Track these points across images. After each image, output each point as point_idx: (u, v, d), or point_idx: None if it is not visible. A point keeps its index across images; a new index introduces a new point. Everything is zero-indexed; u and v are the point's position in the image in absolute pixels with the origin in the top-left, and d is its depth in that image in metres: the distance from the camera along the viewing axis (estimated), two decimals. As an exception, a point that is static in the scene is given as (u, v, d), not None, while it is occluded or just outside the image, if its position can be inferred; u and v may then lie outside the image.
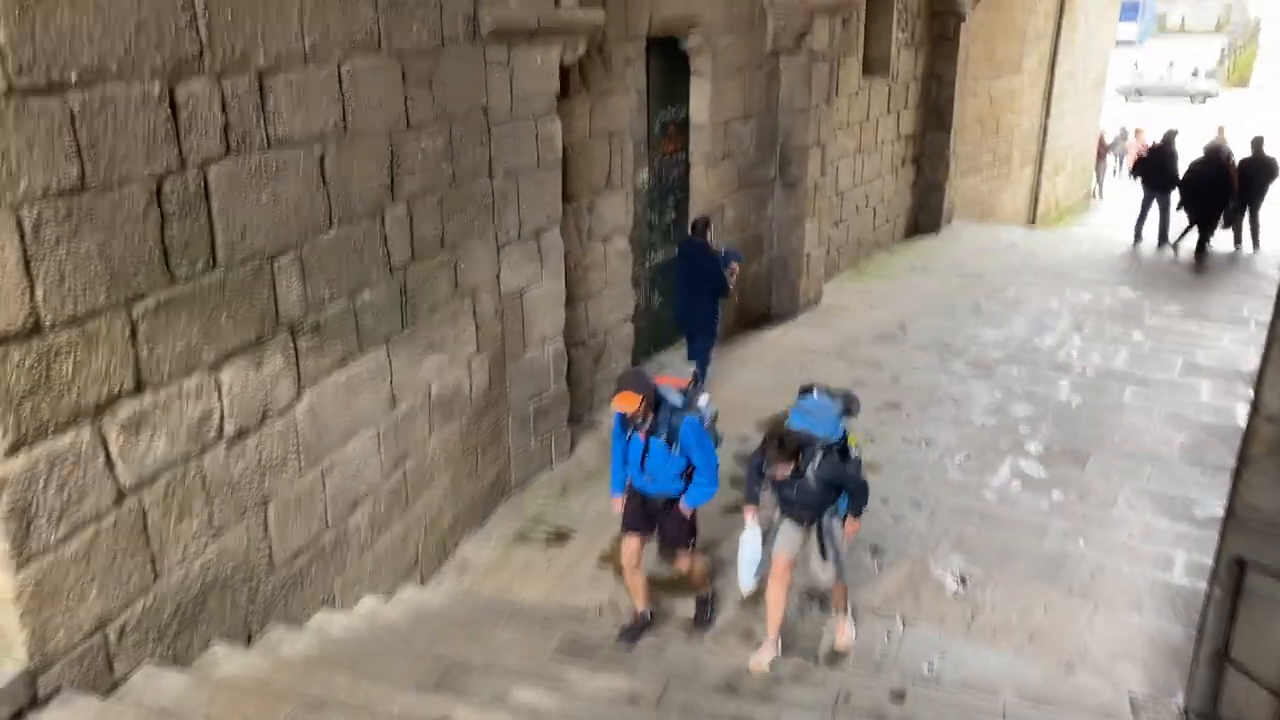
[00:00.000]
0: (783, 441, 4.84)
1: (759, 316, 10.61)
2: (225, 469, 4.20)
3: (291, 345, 4.52)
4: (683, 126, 9.09)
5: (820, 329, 10.43)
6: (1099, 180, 23.78)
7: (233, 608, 4.35)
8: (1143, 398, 8.64)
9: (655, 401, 5.03)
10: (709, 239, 8.37)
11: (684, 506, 5.15)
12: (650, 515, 5.26)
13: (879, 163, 12.85)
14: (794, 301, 10.76)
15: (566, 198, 7.38)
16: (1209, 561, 6.08)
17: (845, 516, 5.24)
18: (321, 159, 4.59)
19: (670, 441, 5.00)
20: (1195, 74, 44.48)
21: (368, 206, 4.97)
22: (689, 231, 8.61)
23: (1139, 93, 43.40)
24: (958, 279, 12.31)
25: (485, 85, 5.95)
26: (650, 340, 9.28)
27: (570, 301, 7.64)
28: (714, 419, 5.30)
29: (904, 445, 7.71)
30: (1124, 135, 24.71)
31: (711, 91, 9.02)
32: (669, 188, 9.10)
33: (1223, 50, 50.66)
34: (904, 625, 5.52)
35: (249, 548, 4.40)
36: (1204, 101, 42.30)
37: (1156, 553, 6.24)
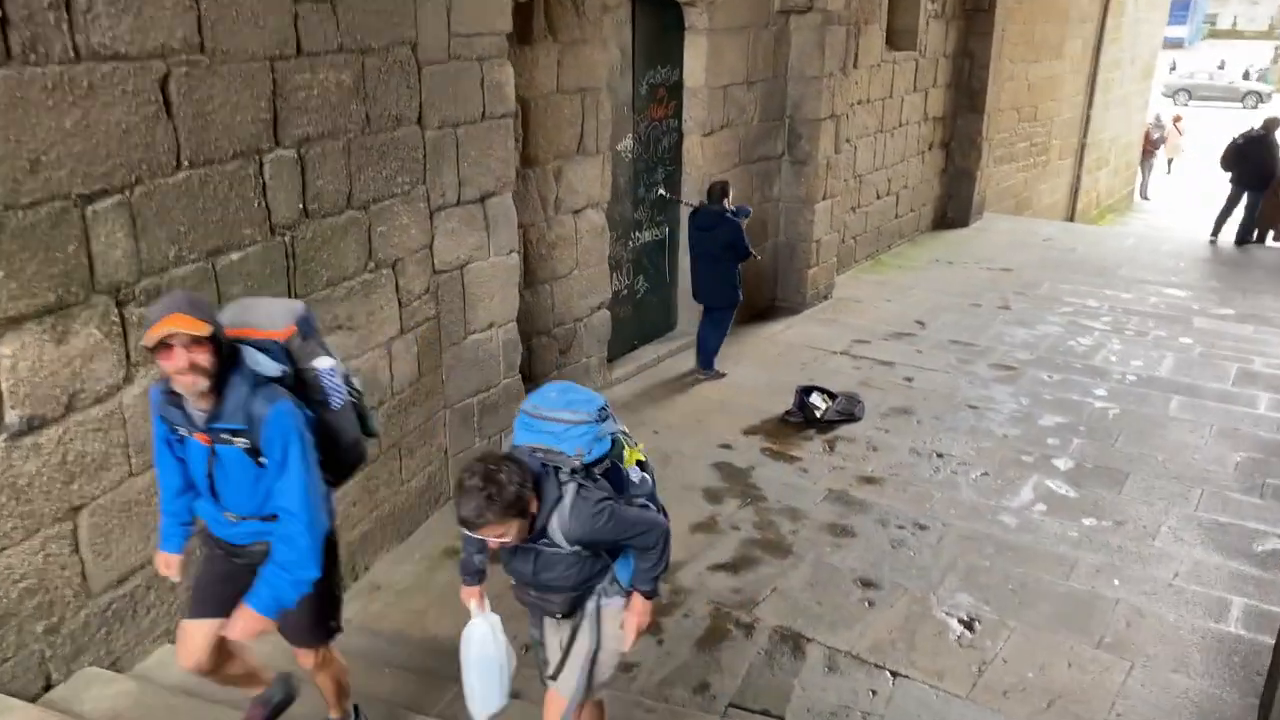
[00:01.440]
0: (493, 481, 2.68)
1: (761, 309, 9.59)
2: (6, 469, 3.27)
3: (116, 314, 3.58)
4: (675, 90, 8.08)
5: (829, 324, 9.40)
6: (1144, 178, 22.46)
7: (20, 647, 3.42)
8: (1191, 409, 7.53)
9: (225, 360, 2.76)
10: (726, 205, 7.55)
11: (250, 615, 2.88)
12: (238, 586, 2.96)
13: (903, 145, 11.76)
14: (801, 293, 9.72)
15: (527, 161, 6.43)
16: (1273, 609, 5.03)
17: (629, 595, 3.11)
18: (164, 81, 3.65)
19: (255, 447, 2.83)
20: (1247, 75, 42.72)
21: (238, 147, 4.03)
22: (705, 199, 7.76)
23: (1186, 93, 41.75)
24: (986, 273, 11.22)
25: (414, 15, 4.99)
26: (634, 330, 8.30)
27: (531, 283, 6.70)
28: (354, 395, 3.22)
29: (912, 457, 6.66)
30: (1158, 124, 23.18)
31: (708, 51, 8.01)
32: (658, 158, 8.10)
33: (1277, 50, 48.76)
34: (893, 680, 4.50)
35: (47, 569, 3.47)
36: (1256, 104, 40.55)
37: (1208, 596, 5.17)
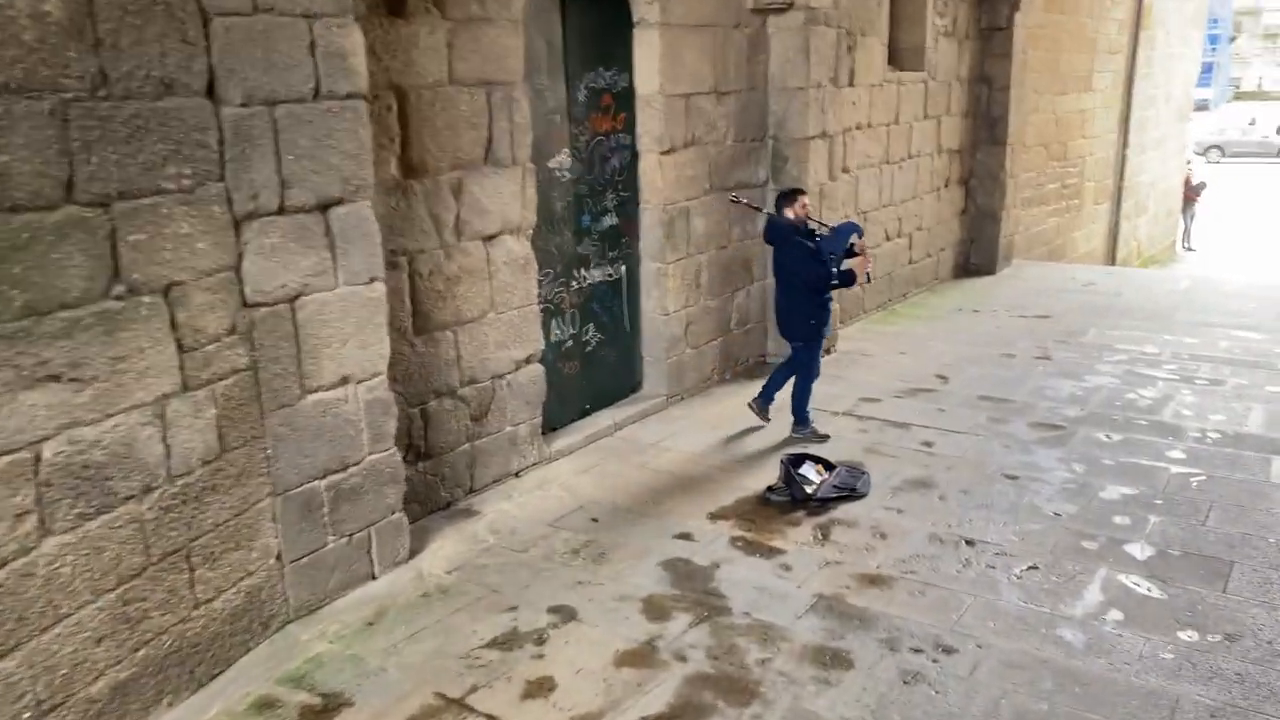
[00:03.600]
0: None
1: (748, 365, 7.97)
2: None
3: None
4: (624, 99, 6.62)
5: (830, 380, 7.71)
6: (1187, 227, 20.81)
7: None
8: (1300, 474, 5.79)
9: None
10: (792, 216, 6.32)
11: None
12: None
13: (914, 180, 10.23)
14: (797, 346, 8.10)
15: (410, 170, 4.96)
16: None
17: None
18: None
19: None
20: (1281, 131, 41.34)
21: None
22: (774, 208, 6.57)
23: (1219, 149, 40.37)
24: (1019, 321, 9.55)
25: (187, -59, 3.55)
26: (584, 391, 6.70)
27: (425, 328, 5.16)
28: None
29: (932, 546, 4.96)
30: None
31: (663, 51, 6.56)
32: (607, 181, 6.60)
33: (1309, 106, 47.49)
34: None
35: None
36: (1293, 160, 39.23)
37: (1386, 754, 3.40)
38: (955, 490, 5.64)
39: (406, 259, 5.02)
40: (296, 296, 4.13)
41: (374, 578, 4.69)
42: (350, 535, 4.55)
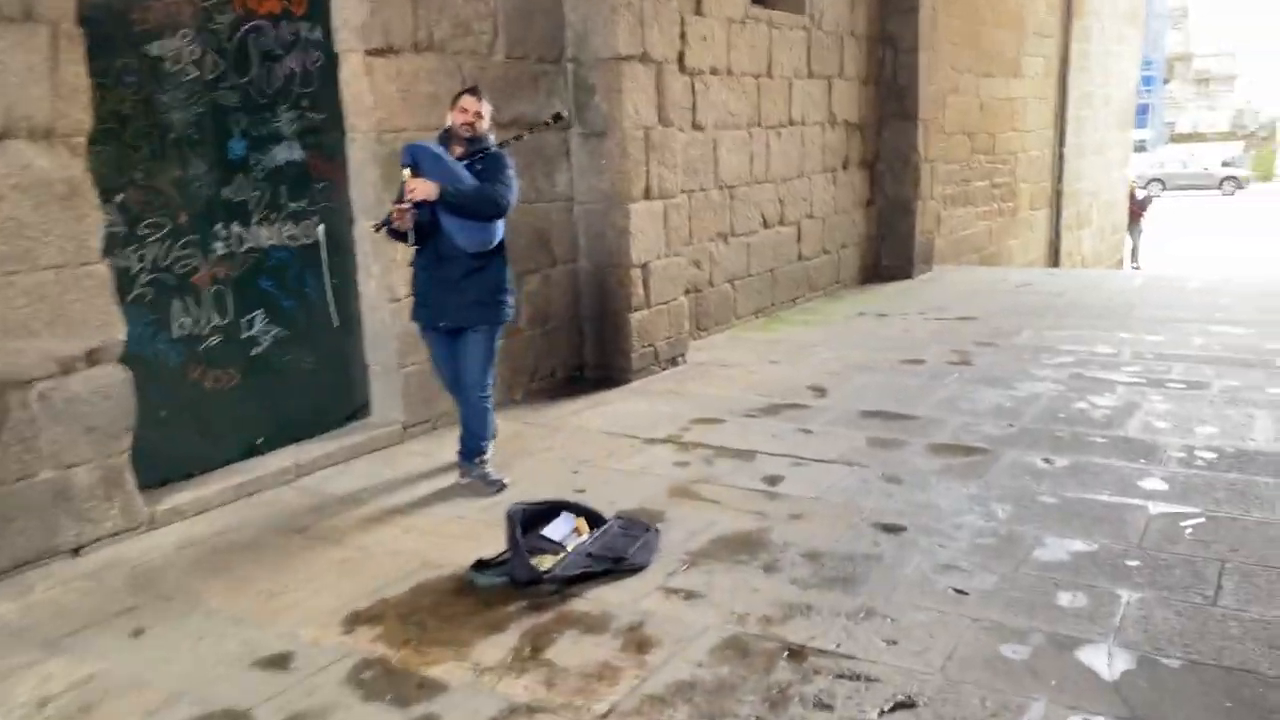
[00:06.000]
0: None
1: (559, 380, 5.68)
2: None
3: None
4: (301, -33, 4.38)
5: (665, 397, 5.47)
6: (1135, 245, 19.03)
7: None
8: (1355, 508, 3.57)
9: None
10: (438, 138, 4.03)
11: None
12: None
13: (799, 153, 8.09)
14: (624, 353, 5.81)
15: None
16: None
17: None
18: None
19: None
20: (1227, 163, 40.69)
21: None
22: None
23: (1160, 182, 39.41)
24: (935, 324, 7.36)
25: None
26: (255, 415, 4.35)
27: None
28: None
29: (726, 662, 2.63)
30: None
31: (362, -103, 4.35)
32: (279, 91, 4.32)
33: (1247, 143, 47.22)
34: None
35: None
36: (1233, 191, 38.41)
37: None
38: (796, 554, 3.34)
39: None
40: None
41: None
42: None
